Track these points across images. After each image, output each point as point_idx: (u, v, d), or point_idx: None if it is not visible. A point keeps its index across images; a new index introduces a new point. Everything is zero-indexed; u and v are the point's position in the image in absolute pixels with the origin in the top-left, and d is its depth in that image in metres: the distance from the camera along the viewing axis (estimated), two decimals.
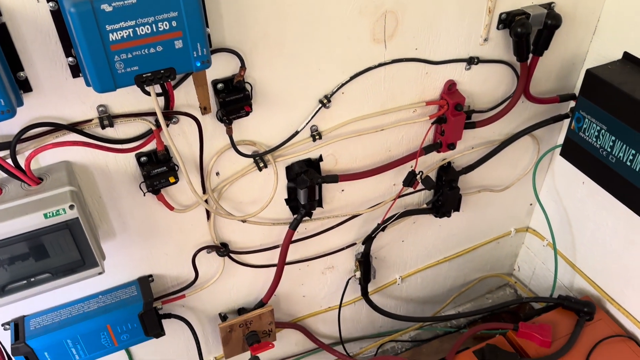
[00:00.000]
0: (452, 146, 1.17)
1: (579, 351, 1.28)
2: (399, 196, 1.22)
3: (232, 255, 1.12)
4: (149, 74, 0.76)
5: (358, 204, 1.21)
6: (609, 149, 1.14)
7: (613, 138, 1.12)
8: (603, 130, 1.13)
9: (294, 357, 1.43)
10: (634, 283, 1.29)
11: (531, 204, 1.51)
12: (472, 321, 1.65)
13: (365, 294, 1.36)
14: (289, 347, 1.41)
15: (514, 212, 1.51)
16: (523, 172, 1.39)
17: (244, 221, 1.07)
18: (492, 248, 1.56)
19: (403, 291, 1.50)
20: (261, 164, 1.01)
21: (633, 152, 1.09)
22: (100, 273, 0.88)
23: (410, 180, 1.16)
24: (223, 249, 1.09)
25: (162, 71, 0.76)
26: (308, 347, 1.43)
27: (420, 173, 1.16)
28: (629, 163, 1.10)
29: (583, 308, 1.34)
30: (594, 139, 1.16)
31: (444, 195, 1.27)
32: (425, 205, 1.30)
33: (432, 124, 1.15)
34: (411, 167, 1.18)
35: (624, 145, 1.10)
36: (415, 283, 1.50)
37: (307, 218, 1.15)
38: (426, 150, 1.17)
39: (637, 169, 1.09)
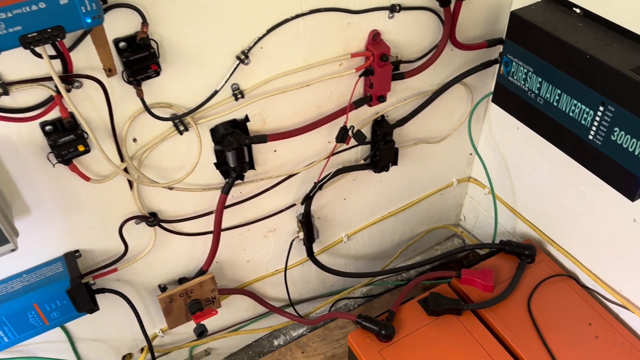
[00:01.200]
0: (382, 99, 1.13)
1: (521, 293, 1.29)
2: (333, 153, 1.19)
3: (163, 224, 1.07)
4: (35, 34, 0.69)
5: (293, 163, 1.17)
6: (536, 91, 1.11)
7: (539, 79, 1.10)
8: (530, 72, 1.10)
9: (245, 322, 1.40)
10: (571, 223, 1.30)
11: (471, 154, 1.50)
12: (422, 273, 1.64)
13: (311, 254, 1.33)
14: (239, 313, 1.38)
15: (454, 163, 1.49)
16: (459, 122, 1.37)
17: (170, 188, 1.02)
18: (436, 200, 1.55)
19: (351, 249, 1.48)
20: (181, 127, 0.96)
21: (558, 92, 1.07)
22: (12, 250, 0.82)
23: (342, 136, 1.12)
24: (152, 219, 1.04)
25: (49, 30, 0.70)
26: (258, 312, 1.41)
27: (352, 128, 1.12)
28: (555, 103, 1.09)
29: (524, 251, 1.34)
30: (522, 82, 1.14)
31: (380, 149, 1.24)
32: (362, 161, 1.27)
33: (360, 76, 1.10)
34: (344, 122, 1.14)
35: (550, 86, 1.08)
36: (363, 240, 1.48)
37: (239, 181, 1.10)
38: (356, 104, 1.13)
39: (564, 109, 1.07)
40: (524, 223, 1.44)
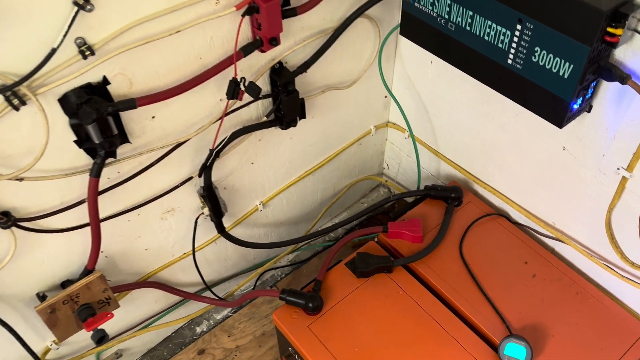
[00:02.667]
0: (274, 41, 0.94)
1: (451, 239, 1.18)
2: (227, 113, 0.99)
3: (22, 224, 0.84)
4: None
5: (180, 130, 0.97)
6: (446, 16, 0.96)
7: (448, 2, 0.94)
8: None
9: (158, 315, 1.22)
10: (495, 158, 1.19)
11: (386, 97, 1.34)
12: (351, 229, 1.51)
13: (222, 230, 1.15)
14: (149, 306, 1.18)
15: (369, 108, 1.34)
16: (368, 62, 1.20)
17: (20, 179, 0.80)
18: (355, 151, 1.40)
19: (269, 216, 1.31)
20: (15, 101, 0.73)
21: (470, 13, 0.92)
22: None
23: (232, 90, 0.93)
24: (4, 219, 0.81)
25: None
26: (172, 301, 1.22)
27: (243, 80, 0.93)
28: (468, 28, 0.94)
29: (450, 194, 1.23)
30: (430, 8, 0.98)
31: (283, 102, 1.05)
32: (265, 119, 1.08)
33: (243, 15, 0.90)
34: (233, 75, 0.95)
35: (460, 8, 0.93)
36: (281, 205, 1.31)
37: (112, 159, 0.89)
38: (245, 51, 0.93)
39: (478, 33, 0.93)
40: (447, 164, 1.32)
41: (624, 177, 0.93)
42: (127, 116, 0.87)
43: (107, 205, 0.94)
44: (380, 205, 1.28)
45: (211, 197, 1.07)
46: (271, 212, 1.30)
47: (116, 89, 0.83)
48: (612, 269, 1.05)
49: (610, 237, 1.00)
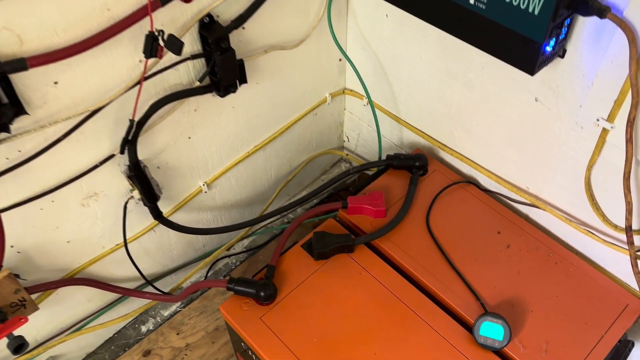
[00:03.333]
0: None
1: (418, 210, 1.06)
2: (148, 76, 0.84)
3: None
4: None
5: (93, 98, 0.81)
6: None
7: None
8: None
9: (95, 315, 1.07)
10: (461, 120, 1.07)
11: (340, 59, 1.21)
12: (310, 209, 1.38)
13: (158, 216, 1.01)
14: (81, 306, 1.03)
15: (323, 73, 1.20)
16: (316, 17, 1.07)
17: None
18: (311, 123, 1.27)
19: (216, 198, 1.17)
20: None
21: None
22: None
23: (150, 47, 0.78)
24: None
25: None
26: (108, 299, 1.07)
27: (161, 34, 0.78)
28: None
29: (414, 163, 1.11)
30: None
31: (217, 63, 0.91)
32: (198, 83, 0.94)
33: None
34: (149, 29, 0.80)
35: None
36: (229, 185, 1.18)
37: (5, 135, 0.74)
38: None
39: None
40: (410, 131, 1.20)
41: (604, 129, 0.82)
42: (21, 82, 0.72)
43: (9, 191, 0.79)
44: (339, 180, 1.15)
45: (140, 178, 0.93)
46: (218, 194, 1.16)
47: (2, 48, 0.68)
48: (593, 233, 0.95)
49: (590, 199, 0.90)
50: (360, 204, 1.04)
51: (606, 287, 0.94)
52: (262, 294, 0.92)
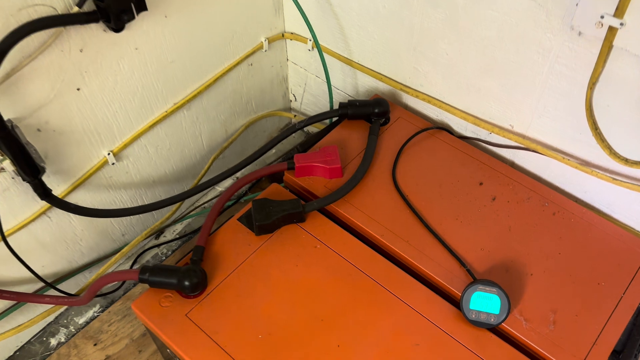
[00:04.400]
0: None
1: (381, 165, 0.87)
2: None
3: None
4: None
5: None
6: None
7: None
8: None
9: None
10: (425, 50, 0.88)
11: None
12: (256, 183, 1.17)
13: (46, 194, 0.78)
14: None
15: (255, 9, 0.98)
16: None
17: None
18: (246, 75, 1.06)
19: (132, 172, 0.94)
20: None
21: None
22: None
23: None
24: None
25: None
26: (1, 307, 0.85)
27: None
28: None
29: (372, 110, 0.91)
30: None
31: None
32: (77, 9, 0.71)
33: None
34: None
35: None
36: (147, 155, 0.95)
37: None
38: None
39: None
40: (366, 75, 1.00)
41: (610, 29, 0.64)
42: None
43: None
44: (282, 139, 0.94)
45: (9, 142, 0.70)
46: (133, 167, 0.93)
47: None
48: (598, 172, 0.78)
49: (592, 127, 0.72)
50: (310, 162, 0.84)
51: (618, 237, 0.77)
52: (186, 283, 0.71)
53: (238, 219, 0.80)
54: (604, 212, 0.81)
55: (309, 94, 1.16)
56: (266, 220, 0.77)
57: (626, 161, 0.72)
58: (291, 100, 1.22)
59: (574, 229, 0.78)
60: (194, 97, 0.96)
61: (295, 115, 1.21)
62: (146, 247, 1.04)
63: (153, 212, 1.02)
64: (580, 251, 0.76)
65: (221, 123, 1.07)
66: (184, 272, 0.71)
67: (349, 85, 1.05)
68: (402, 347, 0.68)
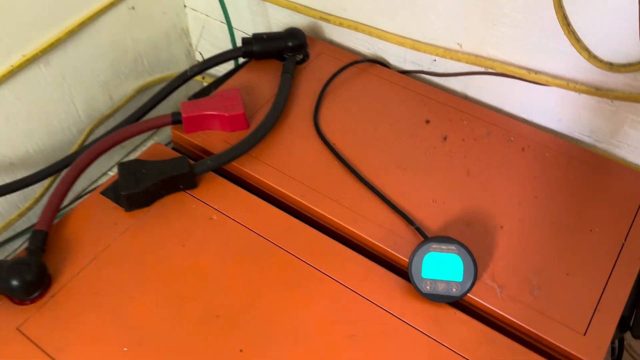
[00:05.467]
0: None
1: (300, 110, 0.67)
2: None
3: None
4: None
5: None
6: None
7: None
8: None
9: None
10: None
11: None
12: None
13: None
14: None
15: None
16: None
17: None
18: (128, 24, 0.84)
19: None
20: None
21: None
22: None
23: None
24: None
25: None
26: None
27: None
28: None
29: (285, 44, 0.72)
30: None
31: None
32: None
33: None
34: None
35: None
36: None
37: None
38: None
39: None
40: (278, 7, 0.81)
41: None
42: None
43: None
44: (170, 91, 0.74)
45: None
46: None
47: None
48: (574, 85, 0.61)
49: (563, 22, 0.55)
50: (203, 111, 0.64)
51: (607, 171, 0.61)
52: (14, 283, 0.49)
53: (102, 192, 0.59)
54: (586, 142, 0.65)
55: (217, 47, 0.96)
56: (137, 187, 0.56)
57: (610, 66, 0.56)
58: (198, 60, 1.02)
59: (551, 166, 0.61)
60: (52, 47, 0.74)
61: (204, 77, 1.01)
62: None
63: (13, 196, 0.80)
64: (562, 192, 0.59)
65: (102, 86, 0.85)
66: (10, 267, 0.50)
67: (261, 25, 0.86)
68: (332, 341, 0.48)
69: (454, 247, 0.49)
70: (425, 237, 0.52)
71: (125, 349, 0.48)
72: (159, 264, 0.53)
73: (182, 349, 0.48)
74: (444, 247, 0.49)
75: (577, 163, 0.61)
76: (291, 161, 0.62)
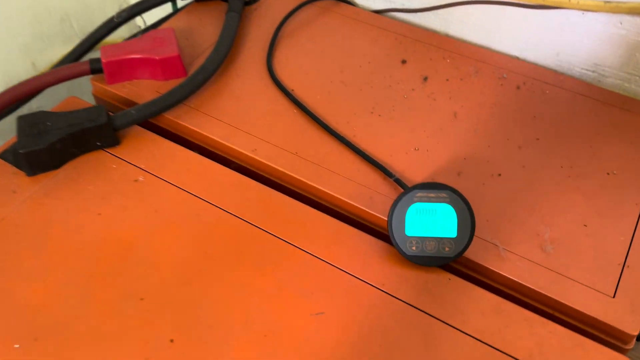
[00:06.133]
0: None
1: (252, 53, 0.56)
2: None
3: None
4: None
5: None
6: None
7: None
8: None
9: None
10: None
11: None
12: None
13: None
14: None
15: None
16: None
17: None
18: None
19: None
20: None
21: None
22: None
23: None
24: None
25: None
26: None
27: None
28: None
29: None
30: None
31: None
32: None
33: None
34: None
35: None
36: None
37: None
38: None
39: None
40: None
41: None
42: None
43: None
44: (96, 41, 0.62)
45: None
46: None
47: None
48: (576, 2, 0.51)
49: None
50: (128, 55, 0.53)
51: (620, 106, 0.51)
52: None
53: (0, 155, 0.48)
54: (589, 79, 0.55)
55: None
56: (39, 144, 0.44)
57: None
58: (140, 27, 0.90)
59: (553, 104, 0.52)
60: None
61: None
62: None
63: None
64: (569, 132, 0.49)
65: (22, 50, 0.73)
66: None
67: None
68: (293, 323, 0.37)
69: (444, 195, 0.39)
70: (406, 188, 0.42)
71: (17, 345, 0.36)
72: (66, 238, 0.42)
73: (92, 342, 0.36)
74: (432, 195, 0.39)
75: (582, 100, 0.52)
76: (240, 111, 0.51)
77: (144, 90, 0.53)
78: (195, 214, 0.44)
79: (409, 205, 0.39)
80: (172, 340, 0.37)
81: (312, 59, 0.57)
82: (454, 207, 0.39)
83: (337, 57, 0.57)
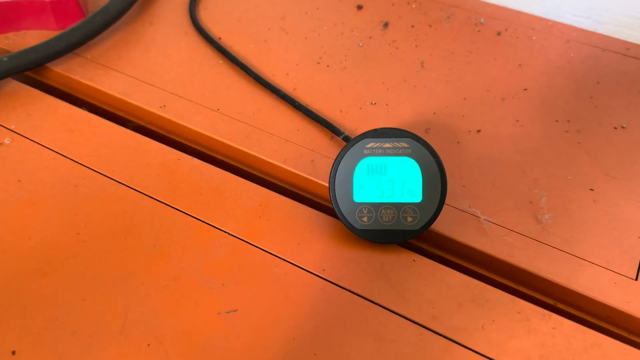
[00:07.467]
0: None
1: None
2: None
3: None
4: None
5: None
6: None
7: None
8: None
9: None
10: None
11: None
12: None
13: None
14: None
15: None
16: None
17: None
18: None
19: None
20: None
21: None
22: None
23: None
24: None
25: None
26: None
27: None
28: None
29: None
30: None
31: None
32: None
33: None
34: None
35: None
36: None
37: None
38: None
39: None
40: None
41: None
42: None
43: None
44: None
45: None
46: None
47: None
48: None
49: None
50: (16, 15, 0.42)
51: (622, 52, 0.43)
52: None
53: None
54: (583, 27, 0.47)
55: None
56: None
57: None
58: None
59: (542, 50, 0.43)
60: None
61: None
62: None
63: None
64: (563, 82, 0.40)
65: None
66: None
67: None
68: (192, 324, 0.27)
69: (405, 145, 0.29)
70: (347, 138, 0.32)
71: None
72: None
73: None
74: (387, 145, 0.30)
75: (577, 46, 0.43)
76: (148, 62, 0.41)
77: (33, 42, 0.43)
78: (73, 184, 0.33)
79: (357, 162, 0.29)
80: (13, 353, 0.26)
81: (247, 4, 0.47)
82: (417, 161, 0.29)
83: (277, 1, 0.47)
